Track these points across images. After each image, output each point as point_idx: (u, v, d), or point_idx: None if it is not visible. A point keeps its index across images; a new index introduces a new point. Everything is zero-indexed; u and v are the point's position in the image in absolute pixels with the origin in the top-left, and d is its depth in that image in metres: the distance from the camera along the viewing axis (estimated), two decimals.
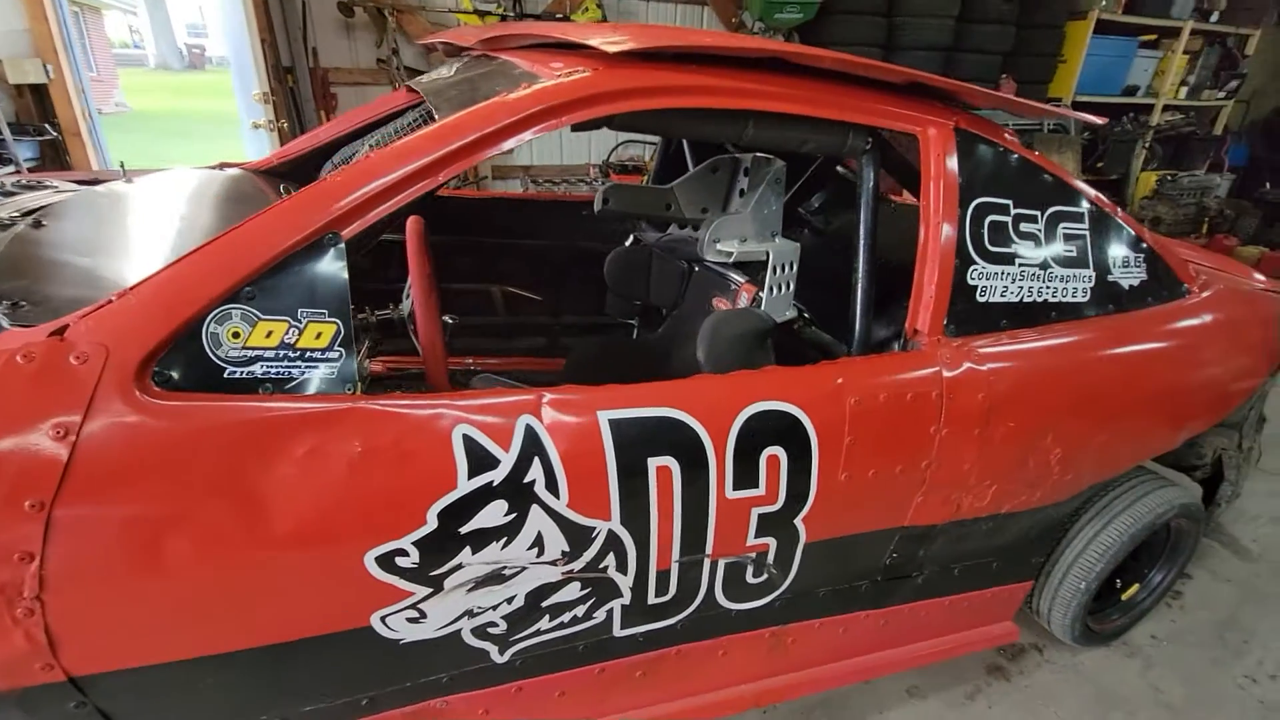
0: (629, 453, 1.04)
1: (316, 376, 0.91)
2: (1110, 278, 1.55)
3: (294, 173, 1.99)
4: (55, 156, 3.95)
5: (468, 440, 0.95)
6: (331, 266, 0.91)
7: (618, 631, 1.24)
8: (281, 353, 0.89)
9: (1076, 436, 1.47)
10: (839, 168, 2.16)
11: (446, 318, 1.87)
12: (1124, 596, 1.96)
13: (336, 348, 0.92)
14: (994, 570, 1.62)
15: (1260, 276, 2.18)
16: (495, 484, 0.97)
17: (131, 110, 13.75)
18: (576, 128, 1.13)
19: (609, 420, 1.03)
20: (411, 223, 1.27)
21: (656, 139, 4.17)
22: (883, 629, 1.56)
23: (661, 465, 1.07)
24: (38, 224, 1.22)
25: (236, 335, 0.87)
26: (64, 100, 3.88)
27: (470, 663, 1.15)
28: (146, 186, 1.62)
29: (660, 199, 1.64)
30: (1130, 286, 1.59)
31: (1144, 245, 1.62)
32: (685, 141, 2.04)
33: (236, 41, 3.85)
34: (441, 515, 0.95)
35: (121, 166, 1.95)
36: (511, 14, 4.32)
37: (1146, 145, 5.94)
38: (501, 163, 4.86)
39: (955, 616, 1.65)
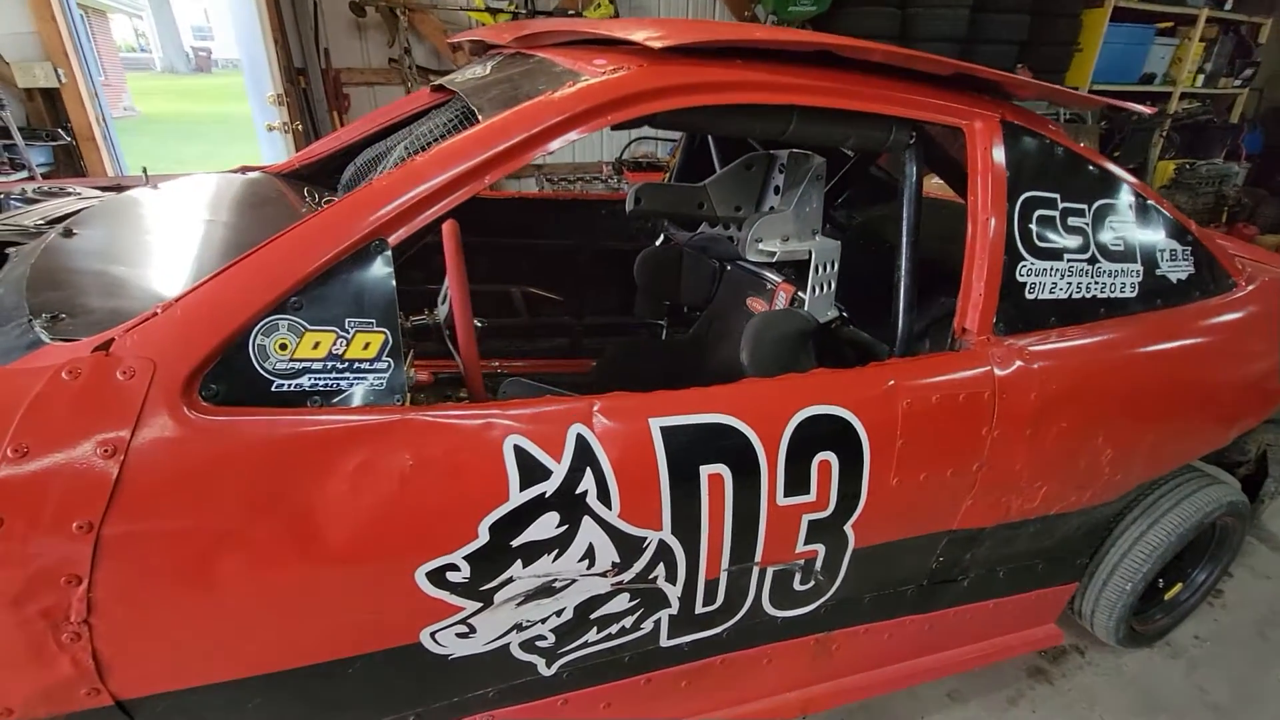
0: (681, 460, 1.01)
1: (365, 388, 0.88)
2: (1158, 272, 1.51)
3: (316, 175, 1.96)
4: (69, 161, 3.93)
5: (519, 451, 0.92)
6: (379, 274, 0.88)
7: (664, 642, 1.21)
8: (330, 364, 0.86)
9: (1128, 435, 1.43)
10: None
11: (476, 321, 1.84)
12: (1167, 596, 1.92)
13: (385, 358, 0.89)
14: (1039, 572, 1.58)
15: None
16: (547, 495, 0.94)
17: (140, 114, 13.77)
18: (618, 126, 1.10)
19: (661, 427, 1.00)
20: (447, 226, 1.23)
21: (670, 135, 4.13)
22: (927, 634, 1.53)
23: (714, 473, 1.04)
24: (68, 233, 1.20)
25: (284, 347, 0.84)
26: (77, 104, 3.86)
27: (517, 676, 1.12)
28: (172, 192, 1.60)
29: (692, 197, 1.61)
30: (1178, 280, 1.55)
31: (1190, 237, 1.58)
32: (711, 138, 2.01)
33: (249, 43, 3.83)
34: (493, 528, 0.93)
35: (144, 172, 1.93)
36: (523, 11, 4.28)
37: (1164, 133, 5.86)
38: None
39: (999, 620, 1.62)
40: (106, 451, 0.75)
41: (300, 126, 3.87)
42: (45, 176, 3.67)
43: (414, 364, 1.39)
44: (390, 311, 0.89)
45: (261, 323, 0.83)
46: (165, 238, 1.31)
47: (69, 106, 3.84)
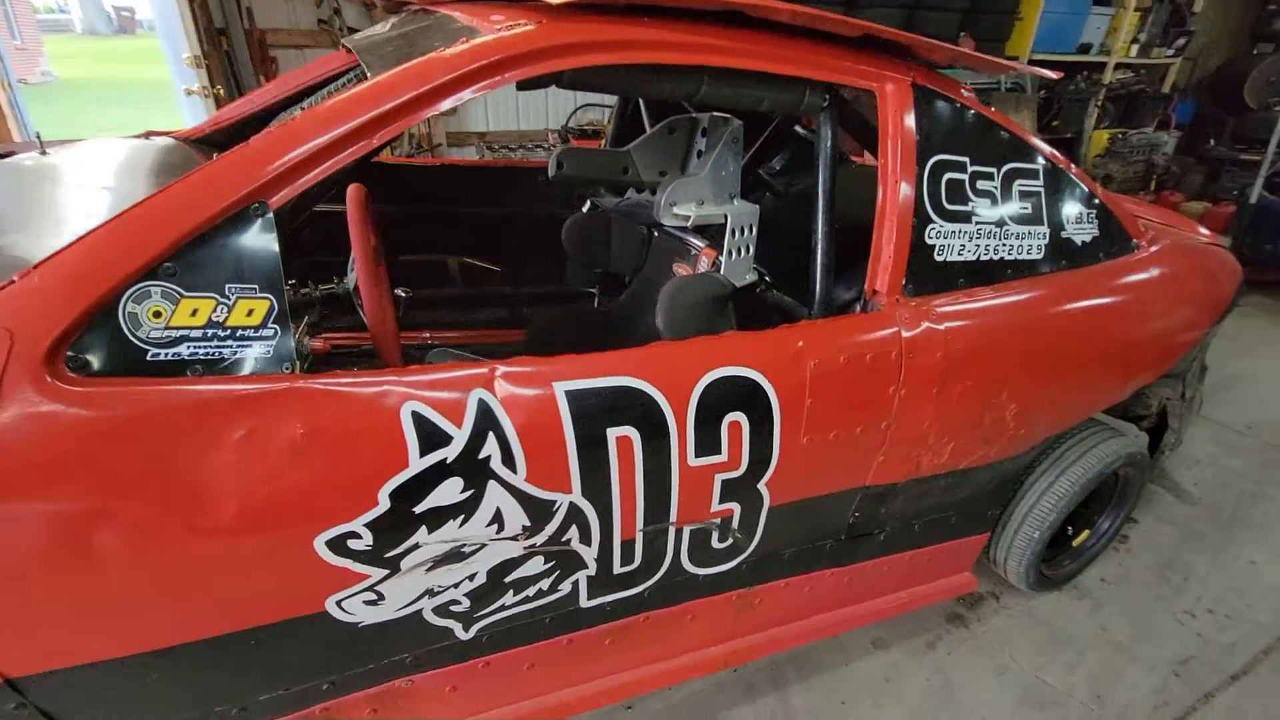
0: (587, 424, 1.02)
1: (251, 356, 0.86)
2: (1064, 234, 1.56)
3: (230, 141, 1.86)
4: None
5: (417, 417, 0.91)
6: (260, 239, 0.85)
7: (584, 602, 1.24)
8: (210, 332, 0.83)
9: (1032, 392, 1.50)
10: (798, 128, 2.13)
11: (399, 291, 1.80)
12: (1074, 543, 2.03)
13: (271, 325, 0.87)
14: (953, 524, 1.66)
15: (1205, 231, 2.24)
16: (449, 461, 0.94)
17: (59, 79, 12.87)
18: (523, 86, 1.08)
19: (565, 391, 1.00)
20: (352, 191, 1.20)
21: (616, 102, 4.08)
22: (847, 586, 1.59)
23: (622, 435, 1.05)
24: None
25: (158, 314, 0.81)
26: None
27: (434, 641, 1.13)
28: (66, 159, 1.50)
29: (617, 162, 1.60)
30: (1083, 242, 1.61)
31: (1096, 202, 1.64)
32: (642, 103, 1.98)
33: (163, 1, 3.59)
34: (393, 495, 0.92)
35: (38, 137, 1.81)
36: None
37: (1099, 104, 6.02)
38: (457, 128, 4.70)
39: (916, 570, 1.69)
40: None
41: (222, 91, 3.67)
42: None
43: (319, 333, 1.36)
44: (274, 277, 0.86)
45: (131, 289, 0.79)
46: (52, 207, 1.24)
47: None
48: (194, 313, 0.83)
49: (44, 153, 1.56)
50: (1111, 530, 2.05)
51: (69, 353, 0.77)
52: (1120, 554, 2.19)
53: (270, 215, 0.86)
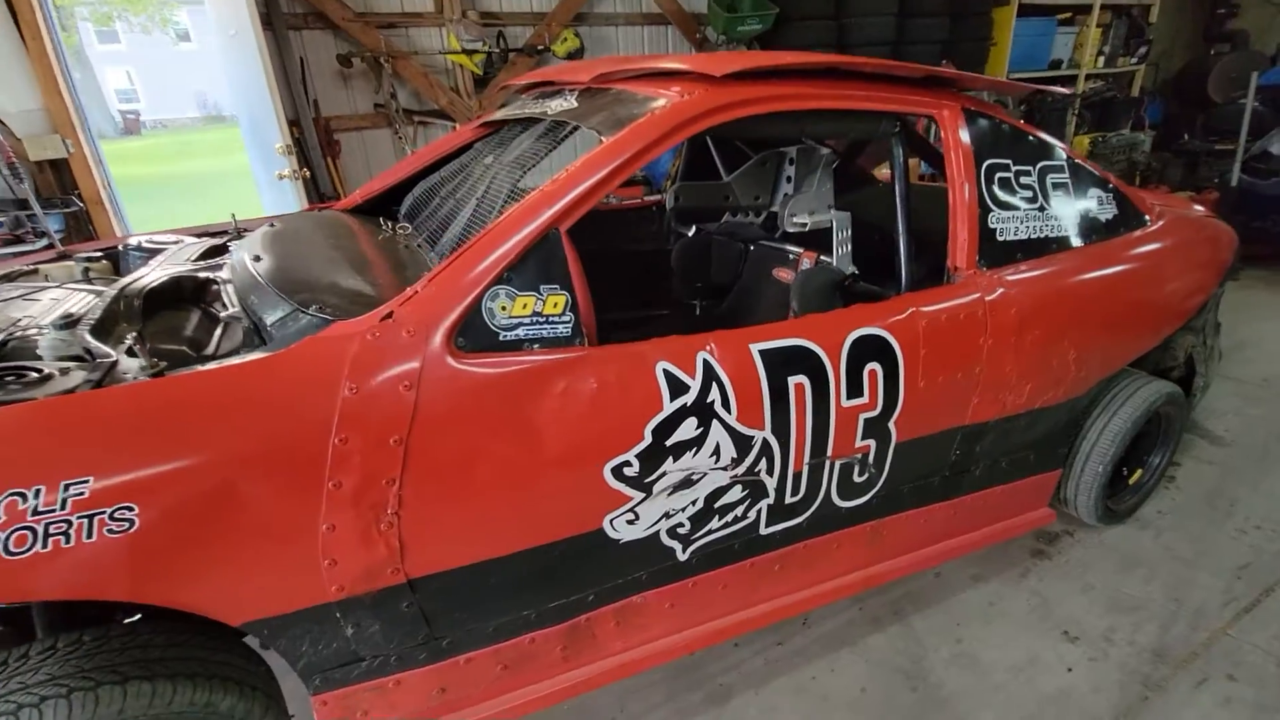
0: (775, 374, 1.36)
1: (558, 334, 1.21)
2: (1091, 214, 1.94)
3: (376, 209, 2.25)
4: (78, 227, 4.10)
5: (666, 372, 1.26)
6: (558, 253, 1.22)
7: (763, 529, 1.55)
8: (534, 318, 1.19)
9: (1085, 339, 1.85)
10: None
11: None
12: (1131, 481, 2.34)
13: (568, 313, 1.22)
14: (1031, 461, 1.98)
15: (1199, 207, 2.62)
16: (688, 404, 1.28)
17: None
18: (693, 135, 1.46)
19: (759, 350, 1.35)
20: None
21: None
22: (953, 518, 1.90)
23: (798, 383, 1.40)
24: (257, 259, 1.49)
25: (504, 308, 1.16)
26: (85, 172, 4.05)
27: (661, 561, 1.44)
28: (291, 227, 1.88)
29: (720, 192, 1.98)
30: (1106, 220, 1.98)
31: (1111, 186, 2.02)
32: (711, 145, 2.39)
33: (251, 101, 4.08)
34: (653, 431, 1.26)
35: (233, 218, 2.22)
36: (496, 50, 4.65)
37: (1075, 112, 6.55)
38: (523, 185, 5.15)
39: (1005, 504, 2.01)
40: (407, 386, 1.06)
41: (309, 174, 4.13)
42: (62, 242, 3.84)
43: None
44: (568, 278, 1.22)
45: (488, 292, 1.15)
46: (315, 255, 1.61)
47: (77, 175, 4.03)
48: (524, 306, 1.18)
49: (272, 225, 1.94)
50: (1161, 465, 2.36)
51: (457, 338, 1.12)
52: (1171, 491, 2.50)
53: (561, 237, 1.22)
